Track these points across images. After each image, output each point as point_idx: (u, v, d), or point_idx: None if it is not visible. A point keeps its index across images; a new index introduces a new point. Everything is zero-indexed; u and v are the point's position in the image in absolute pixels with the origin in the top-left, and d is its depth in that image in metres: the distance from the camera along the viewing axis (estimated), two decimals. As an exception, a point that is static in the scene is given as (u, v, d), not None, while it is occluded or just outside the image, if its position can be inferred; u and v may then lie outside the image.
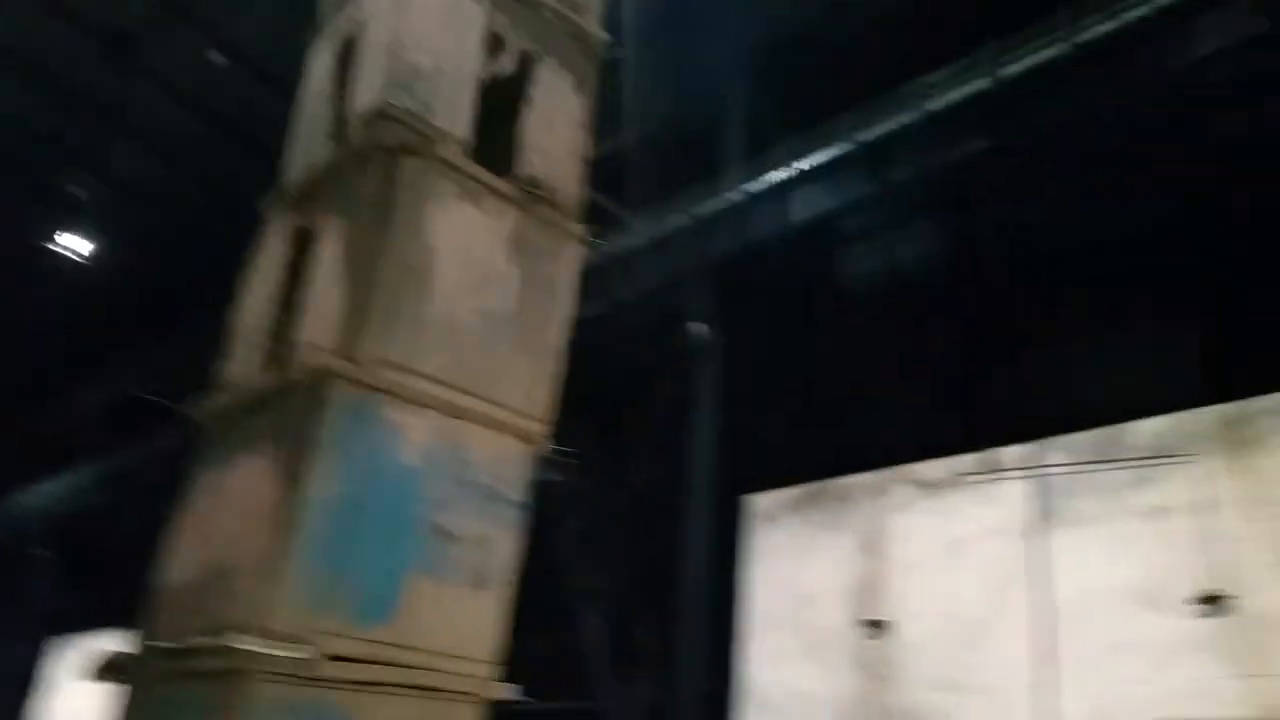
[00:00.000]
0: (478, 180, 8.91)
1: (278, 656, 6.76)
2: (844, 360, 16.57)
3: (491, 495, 8.29)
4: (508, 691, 7.82)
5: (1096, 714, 10.43)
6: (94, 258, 31.18)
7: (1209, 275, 12.07)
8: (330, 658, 7.04)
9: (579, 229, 10.18)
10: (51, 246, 30.57)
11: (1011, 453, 12.24)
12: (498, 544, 8.17)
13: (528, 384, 9.03)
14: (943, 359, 15.30)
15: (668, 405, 17.45)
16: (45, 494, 34.12)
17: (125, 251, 30.88)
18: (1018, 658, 11.25)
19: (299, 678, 6.88)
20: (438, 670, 7.48)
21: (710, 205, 18.43)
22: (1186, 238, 12.42)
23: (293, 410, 7.67)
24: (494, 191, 9.28)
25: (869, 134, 14.31)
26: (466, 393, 8.36)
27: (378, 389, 7.78)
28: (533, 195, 9.64)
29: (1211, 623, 9.67)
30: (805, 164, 16.70)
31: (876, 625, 12.35)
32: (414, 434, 7.94)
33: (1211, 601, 9.58)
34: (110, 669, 7.87)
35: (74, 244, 30.79)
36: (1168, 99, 11.82)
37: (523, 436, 8.73)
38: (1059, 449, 11.96)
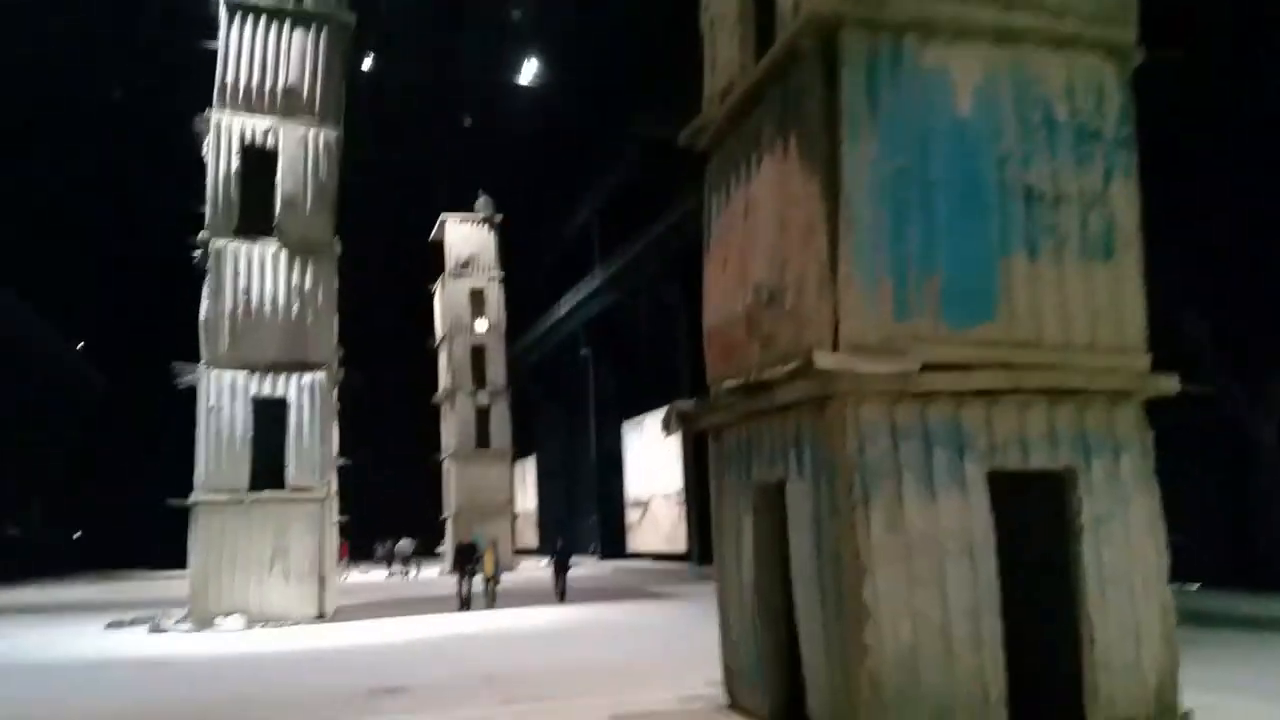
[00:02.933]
0: None
1: (869, 373, 5.62)
2: None
3: (1084, 135, 6.12)
4: (1169, 384, 5.89)
5: None
6: (543, 77, 33.14)
7: None
8: (928, 368, 5.76)
9: None
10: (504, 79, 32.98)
11: None
12: (1110, 197, 6.06)
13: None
14: None
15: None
16: (576, 302, 38.72)
17: (568, 63, 32.19)
18: None
19: (897, 394, 5.71)
20: (1069, 368, 5.79)
21: None
22: None
23: (803, 86, 6.15)
24: None
25: None
26: (1015, 6, 6.16)
27: (902, 26, 5.94)
28: None
29: None
30: None
31: None
32: (964, 74, 5.99)
33: None
34: (683, 419, 7.50)
35: (524, 71, 33.04)
36: None
37: (1107, 49, 6.34)
38: None
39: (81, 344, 44.11)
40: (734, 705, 7.08)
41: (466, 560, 16.75)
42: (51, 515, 43.98)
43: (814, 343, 5.79)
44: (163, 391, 16.34)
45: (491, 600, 16.44)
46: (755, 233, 6.83)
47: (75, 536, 45.65)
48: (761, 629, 6.61)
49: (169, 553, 15.45)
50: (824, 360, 5.55)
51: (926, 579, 5.57)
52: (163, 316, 21.47)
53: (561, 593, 17.39)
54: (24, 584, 30.38)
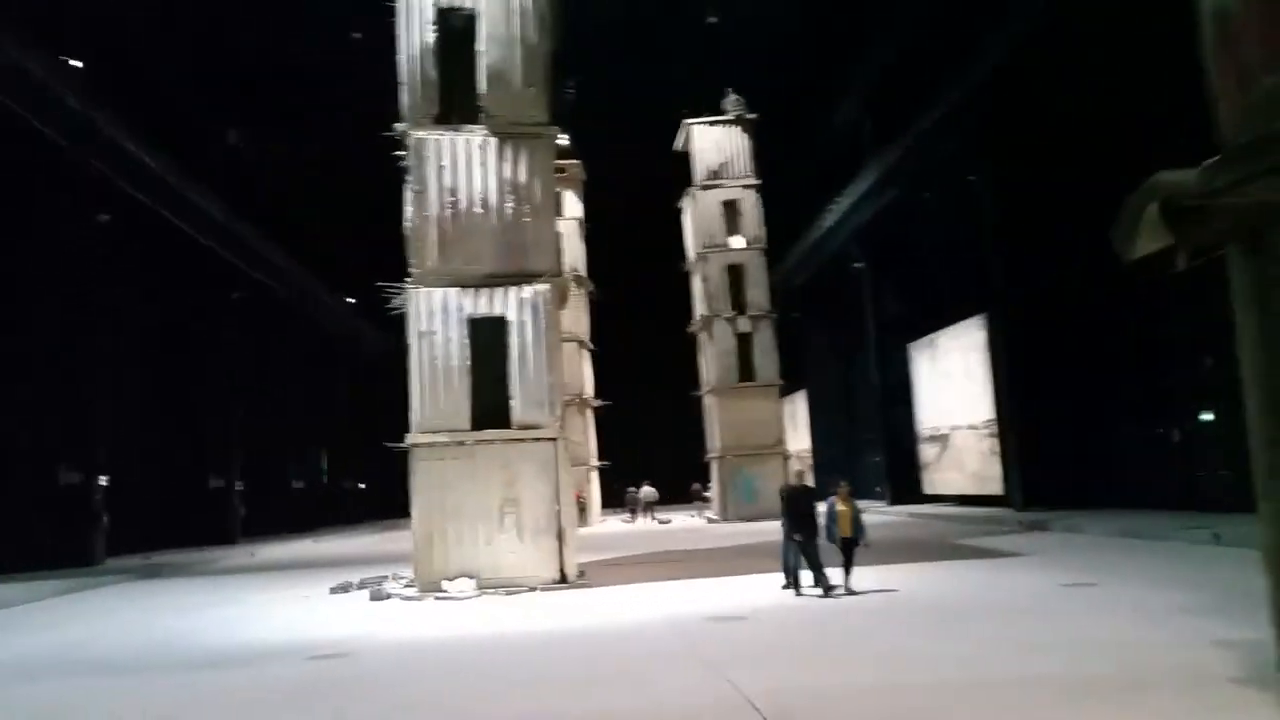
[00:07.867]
0: None
1: None
2: None
3: None
4: None
5: None
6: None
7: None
8: None
9: None
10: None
11: None
12: None
13: None
14: None
15: None
16: (847, 206, 34.03)
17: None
18: None
19: None
20: None
21: None
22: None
23: None
24: None
25: None
26: None
27: None
28: None
29: None
30: None
31: None
32: None
33: None
34: (1179, 212, 3.55)
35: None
36: None
37: None
38: None
39: (352, 300, 45.37)
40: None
41: (799, 516, 10.73)
42: (337, 467, 46.02)
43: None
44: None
45: (848, 570, 10.64)
46: None
47: (360, 487, 47.68)
48: None
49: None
50: None
51: None
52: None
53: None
54: (303, 535, 31.08)
